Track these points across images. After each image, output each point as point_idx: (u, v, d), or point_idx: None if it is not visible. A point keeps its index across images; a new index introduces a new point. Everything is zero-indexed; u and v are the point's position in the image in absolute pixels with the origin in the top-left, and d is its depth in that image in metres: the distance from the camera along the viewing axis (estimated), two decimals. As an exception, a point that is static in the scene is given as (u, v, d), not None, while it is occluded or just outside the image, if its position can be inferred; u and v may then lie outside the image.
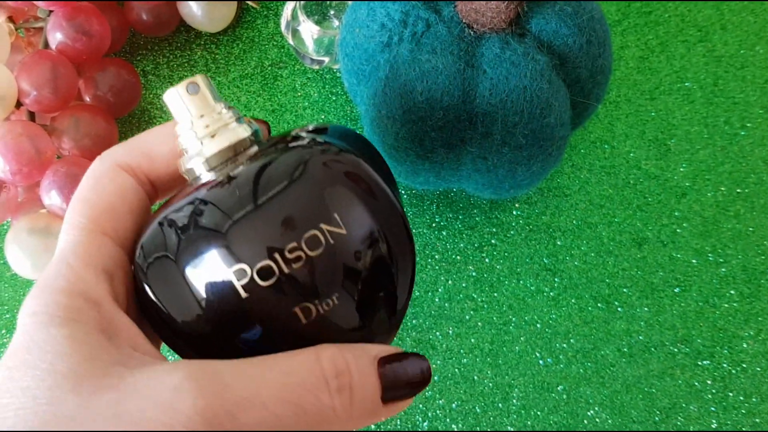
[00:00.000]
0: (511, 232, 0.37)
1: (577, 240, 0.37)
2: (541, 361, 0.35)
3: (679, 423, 0.35)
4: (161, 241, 0.18)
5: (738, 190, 0.38)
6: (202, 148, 0.19)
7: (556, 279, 0.36)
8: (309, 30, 0.36)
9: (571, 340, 0.36)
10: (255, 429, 0.15)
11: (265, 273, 0.17)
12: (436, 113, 0.27)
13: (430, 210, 0.37)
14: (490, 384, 0.35)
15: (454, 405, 0.35)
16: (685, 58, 0.40)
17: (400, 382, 0.18)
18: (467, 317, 0.36)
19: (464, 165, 0.30)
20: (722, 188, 0.38)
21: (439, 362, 0.35)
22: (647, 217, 0.37)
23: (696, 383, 0.35)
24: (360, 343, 0.18)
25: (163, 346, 0.21)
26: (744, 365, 0.35)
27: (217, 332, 0.18)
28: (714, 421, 0.35)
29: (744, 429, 0.35)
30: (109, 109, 0.36)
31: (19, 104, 0.33)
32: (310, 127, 0.21)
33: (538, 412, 0.35)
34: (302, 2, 0.36)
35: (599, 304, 0.36)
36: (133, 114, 0.39)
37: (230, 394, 0.15)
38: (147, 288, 0.18)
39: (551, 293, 0.36)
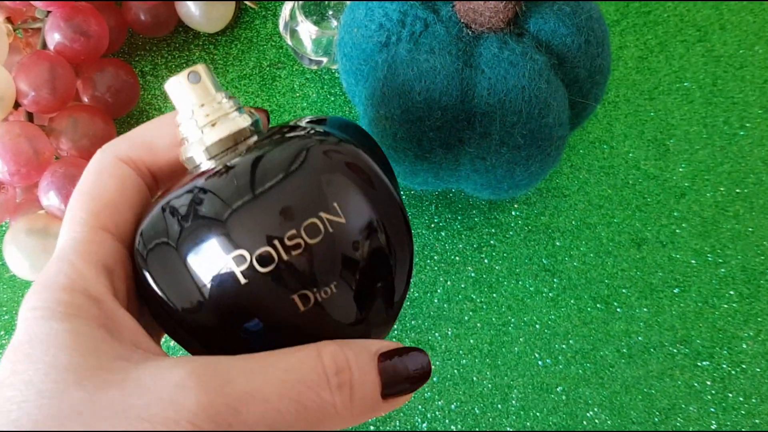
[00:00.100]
0: (510, 233, 0.37)
1: (576, 240, 0.37)
2: (540, 362, 0.35)
3: (678, 424, 0.34)
4: (161, 228, 0.18)
5: (737, 191, 0.38)
6: (203, 137, 0.19)
7: (555, 280, 0.36)
8: (307, 30, 0.36)
9: (570, 341, 0.35)
10: (257, 424, 0.15)
11: (264, 259, 0.17)
12: (434, 113, 0.27)
13: (429, 211, 0.37)
14: (489, 385, 0.35)
15: (453, 406, 0.35)
16: (684, 58, 0.40)
17: (400, 378, 0.18)
18: (466, 318, 0.36)
19: (463, 165, 0.30)
20: (721, 188, 0.38)
21: (438, 363, 0.35)
22: (646, 218, 0.37)
23: (695, 384, 0.35)
24: (360, 339, 0.18)
25: (163, 343, 0.21)
26: (743, 366, 0.35)
27: (216, 318, 0.18)
28: (713, 421, 0.35)
29: (743, 430, 0.35)
30: (107, 110, 0.36)
31: (17, 105, 0.33)
32: (309, 118, 0.21)
33: (537, 413, 0.35)
34: (300, 2, 0.36)
35: (598, 305, 0.36)
36: (132, 114, 0.39)
37: (232, 390, 0.15)
38: (147, 274, 0.18)
39: (550, 294, 0.36)
